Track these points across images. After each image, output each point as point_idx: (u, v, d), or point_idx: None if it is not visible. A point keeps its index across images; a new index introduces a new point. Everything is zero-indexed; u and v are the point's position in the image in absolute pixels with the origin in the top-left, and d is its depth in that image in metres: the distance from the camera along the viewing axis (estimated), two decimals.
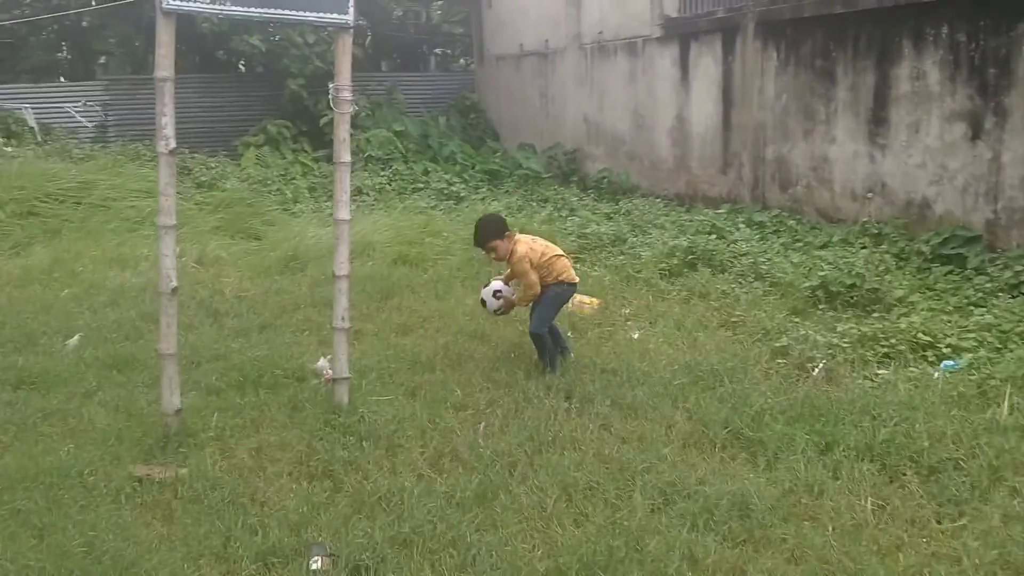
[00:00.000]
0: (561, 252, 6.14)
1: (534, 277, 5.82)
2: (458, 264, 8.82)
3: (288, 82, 16.39)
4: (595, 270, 8.58)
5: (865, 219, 9.38)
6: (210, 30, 15.50)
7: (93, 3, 17.76)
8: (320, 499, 4.25)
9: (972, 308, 6.95)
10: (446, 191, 13.56)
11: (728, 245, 8.92)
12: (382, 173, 14.67)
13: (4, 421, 5.24)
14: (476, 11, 19.07)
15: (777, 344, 6.23)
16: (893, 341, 6.15)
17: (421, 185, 14.10)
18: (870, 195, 9.51)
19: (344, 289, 5.27)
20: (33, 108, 16.09)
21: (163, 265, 4.85)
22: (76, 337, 6.72)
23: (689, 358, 6.03)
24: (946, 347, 6.06)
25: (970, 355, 5.90)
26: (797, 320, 6.80)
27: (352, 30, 5.11)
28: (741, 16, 11.37)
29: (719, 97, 11.87)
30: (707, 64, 12.04)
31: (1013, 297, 7.04)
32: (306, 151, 16.12)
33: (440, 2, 23.12)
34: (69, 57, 20.62)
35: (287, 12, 4.91)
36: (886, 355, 6.07)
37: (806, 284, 7.43)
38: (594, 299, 7.43)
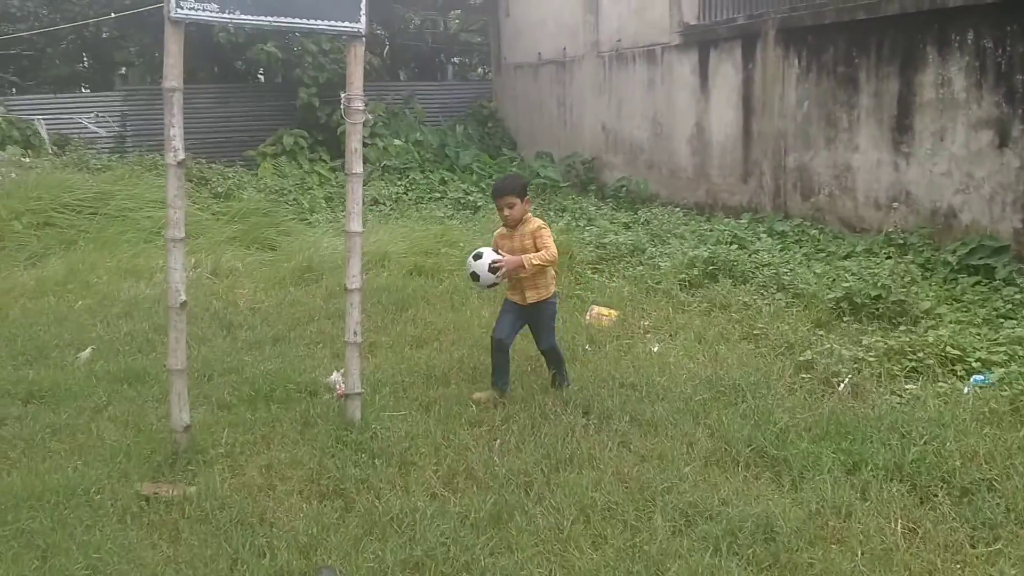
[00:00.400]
0: None
1: (555, 248, 5.49)
2: None
3: (301, 91, 16.36)
4: (613, 281, 8.44)
5: (890, 229, 9.19)
6: (227, 40, 15.52)
7: (112, 14, 17.83)
8: (330, 519, 4.12)
9: (1002, 320, 6.76)
10: (463, 200, 13.47)
11: (749, 255, 8.75)
12: (399, 182, 14.61)
13: (12, 437, 5.16)
14: (493, 20, 19.02)
15: (801, 358, 6.06)
16: (921, 355, 5.97)
17: (438, 194, 14.02)
18: (896, 205, 9.33)
19: (356, 303, 5.16)
20: (52, 119, 16.13)
21: (171, 279, 4.76)
22: (88, 350, 6.65)
23: (710, 372, 5.88)
24: (976, 361, 5.88)
25: (1001, 369, 5.71)
26: (821, 333, 6.63)
27: (364, 38, 5.01)
28: (761, 23, 11.22)
29: (739, 105, 11.72)
30: (727, 71, 11.90)
31: None
32: (324, 160, 16.08)
33: (458, 11, 23.09)
34: (89, 68, 20.72)
35: (298, 20, 4.82)
36: (914, 369, 5.89)
37: (830, 295, 7.26)
38: (612, 311, 7.29)
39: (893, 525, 3.98)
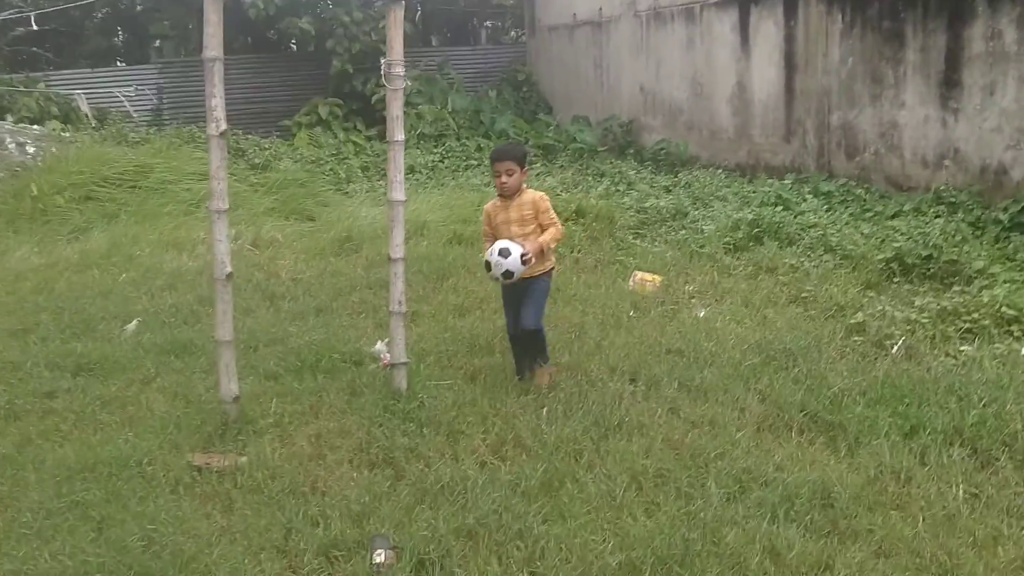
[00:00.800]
0: None
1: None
2: None
3: (334, 61, 16.27)
4: (656, 246, 8.33)
5: (942, 186, 8.96)
6: (256, 15, 15.45)
7: None
8: (381, 488, 4.12)
9: None
10: None
11: (795, 217, 8.58)
12: (434, 150, 14.52)
13: (63, 409, 5.22)
14: None
15: (852, 321, 5.94)
16: (976, 316, 5.84)
17: (474, 162, 13.91)
18: (947, 163, 9.09)
19: (400, 272, 5.12)
20: (90, 93, 16.22)
21: (217, 251, 4.75)
22: (134, 322, 6.70)
23: (759, 337, 5.78)
24: None
25: None
26: (872, 295, 6.50)
27: (403, 2, 4.92)
28: None
29: (781, 63, 11.46)
30: (768, 29, 11.63)
31: None
32: (358, 129, 16.03)
33: None
34: (124, 42, 20.80)
35: None
36: (968, 331, 5.76)
37: (879, 256, 7.11)
38: (656, 276, 7.19)
39: (954, 490, 3.90)
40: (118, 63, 20.25)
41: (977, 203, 8.50)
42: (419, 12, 21.94)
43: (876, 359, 5.38)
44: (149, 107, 17.13)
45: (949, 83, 9.06)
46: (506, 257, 4.92)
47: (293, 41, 18.65)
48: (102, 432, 4.86)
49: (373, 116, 16.10)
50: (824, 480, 3.97)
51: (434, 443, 4.56)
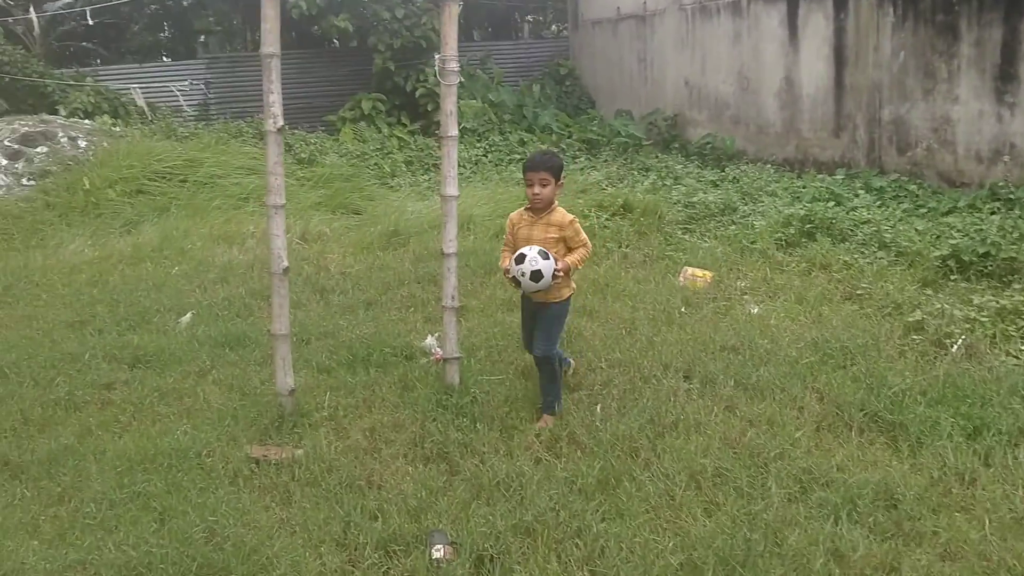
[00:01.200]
0: None
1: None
2: None
3: (376, 57, 16.32)
4: (705, 241, 8.24)
5: (999, 182, 8.77)
6: (299, 15, 15.53)
7: None
8: (437, 483, 4.13)
9: None
10: None
11: (847, 212, 8.44)
12: (478, 144, 14.51)
13: (122, 400, 5.30)
14: None
15: (910, 319, 5.83)
16: None
17: (518, 156, 13.86)
18: (1005, 159, 8.89)
19: (453, 267, 5.11)
20: (139, 88, 16.43)
21: (274, 245, 4.78)
22: (188, 315, 6.78)
23: (815, 334, 5.70)
24: None
25: None
26: (929, 292, 6.37)
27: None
28: None
29: (831, 56, 11.29)
30: (817, 22, 11.46)
31: None
32: (402, 124, 16.07)
33: None
34: (170, 37, 21.02)
35: None
36: None
37: (935, 253, 6.97)
38: (706, 272, 7.12)
39: (1021, 492, 3.82)
40: (163, 58, 20.49)
41: None
42: (461, 6, 21.90)
43: (936, 358, 5.27)
44: (197, 102, 17.32)
45: (1005, 77, 8.87)
46: (526, 261, 4.52)
47: (336, 37, 18.77)
48: (160, 423, 4.93)
49: (416, 111, 16.13)
50: (887, 481, 3.91)
51: (488, 439, 4.56)
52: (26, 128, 12.30)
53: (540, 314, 4.81)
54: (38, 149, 11.91)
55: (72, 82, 15.82)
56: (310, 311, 6.84)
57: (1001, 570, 3.34)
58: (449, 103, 5.05)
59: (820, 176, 10.63)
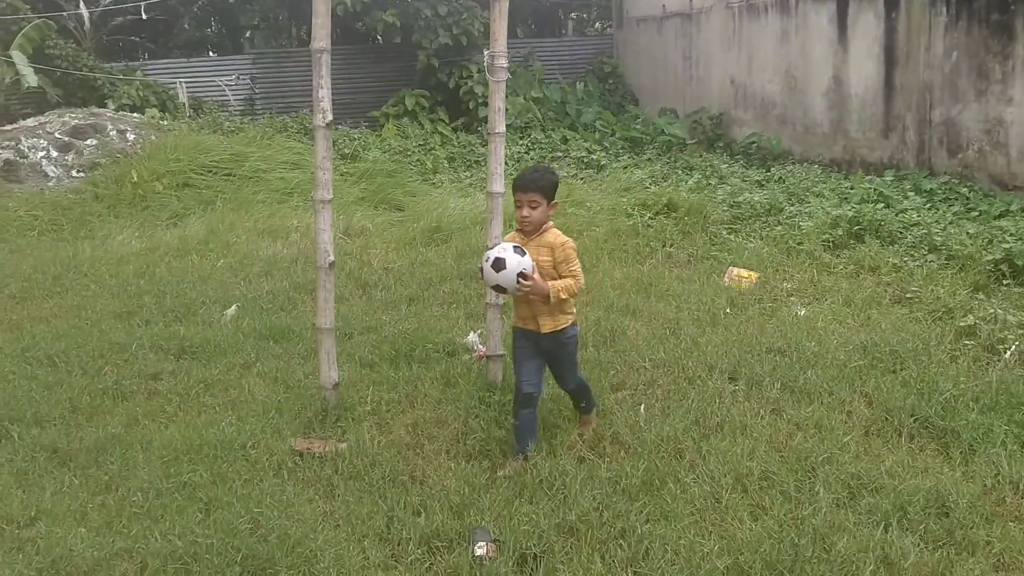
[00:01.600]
0: None
1: (583, 276, 4.41)
2: (604, 236, 8.53)
3: (420, 54, 16.36)
4: (750, 241, 8.13)
5: None
6: (344, 11, 15.62)
7: None
8: (480, 480, 4.11)
9: None
10: (586, 159, 13.25)
11: (896, 214, 8.29)
12: (520, 141, 14.48)
13: (168, 391, 5.35)
14: None
15: (962, 323, 5.71)
16: None
17: (560, 154, 13.82)
18: None
19: None
20: (185, 83, 16.63)
21: (320, 240, 4.80)
22: (233, 307, 6.84)
23: (863, 338, 5.60)
24: None
25: None
26: (980, 297, 6.23)
27: None
28: None
29: (880, 56, 11.10)
30: (867, 21, 11.27)
31: None
32: (444, 121, 16.10)
33: None
34: (217, 32, 21.27)
35: None
36: None
37: (988, 257, 6.81)
38: (752, 272, 7.03)
39: None
40: (210, 53, 20.74)
41: None
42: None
43: (988, 364, 5.16)
44: (243, 97, 17.50)
45: None
46: (510, 255, 4.10)
47: (379, 34, 18.87)
48: (206, 414, 4.97)
49: (459, 108, 16.15)
50: (938, 488, 3.83)
51: None
52: (76, 121, 12.51)
53: (557, 350, 4.40)
54: (88, 142, 12.11)
55: (121, 76, 16.07)
56: (353, 306, 6.86)
57: None
58: (497, 99, 5.04)
59: (868, 177, 10.45)
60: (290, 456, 4.42)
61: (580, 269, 4.34)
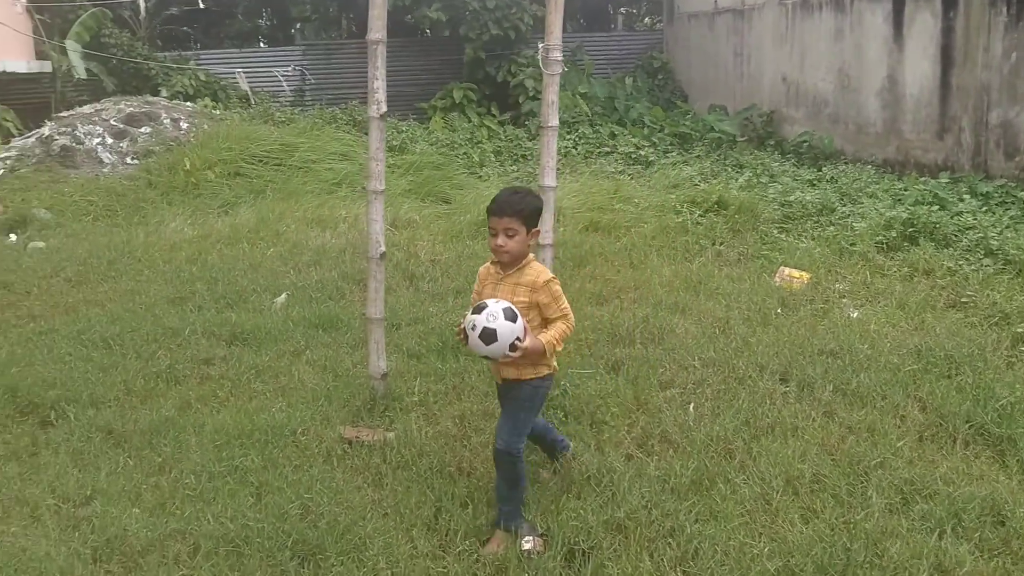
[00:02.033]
0: None
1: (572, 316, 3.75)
2: (652, 232, 8.49)
3: (468, 47, 16.40)
4: (802, 241, 8.03)
5: None
6: (393, 4, 15.72)
7: None
8: (527, 475, 4.10)
9: None
10: (634, 155, 13.18)
11: (951, 217, 8.13)
12: (567, 136, 14.44)
13: (220, 376, 5.43)
14: None
15: (1019, 329, 5.59)
16: None
17: (607, 149, 13.77)
18: None
19: (548, 259, 5.08)
20: (243, 73, 16.85)
21: (372, 230, 4.83)
22: (283, 296, 6.91)
23: (917, 341, 5.50)
24: None
25: None
26: None
27: None
28: None
29: (937, 56, 10.90)
30: (924, 20, 11.07)
31: None
32: (492, 114, 16.12)
33: None
34: (269, 23, 21.50)
35: None
36: None
37: None
38: (803, 273, 6.95)
39: None
40: (260, 44, 20.96)
41: None
42: None
43: None
44: (294, 87, 17.68)
45: None
46: (483, 314, 3.49)
47: (428, 27, 18.94)
48: (257, 400, 5.04)
49: (506, 101, 16.15)
50: (994, 497, 3.76)
51: (577, 433, 4.52)
52: (131, 109, 12.73)
53: (507, 394, 3.76)
54: (142, 129, 12.32)
55: (174, 65, 16.31)
56: (400, 297, 6.90)
57: None
58: (551, 93, 5.01)
59: (922, 179, 10.27)
60: (339, 444, 4.46)
61: (568, 305, 3.71)
